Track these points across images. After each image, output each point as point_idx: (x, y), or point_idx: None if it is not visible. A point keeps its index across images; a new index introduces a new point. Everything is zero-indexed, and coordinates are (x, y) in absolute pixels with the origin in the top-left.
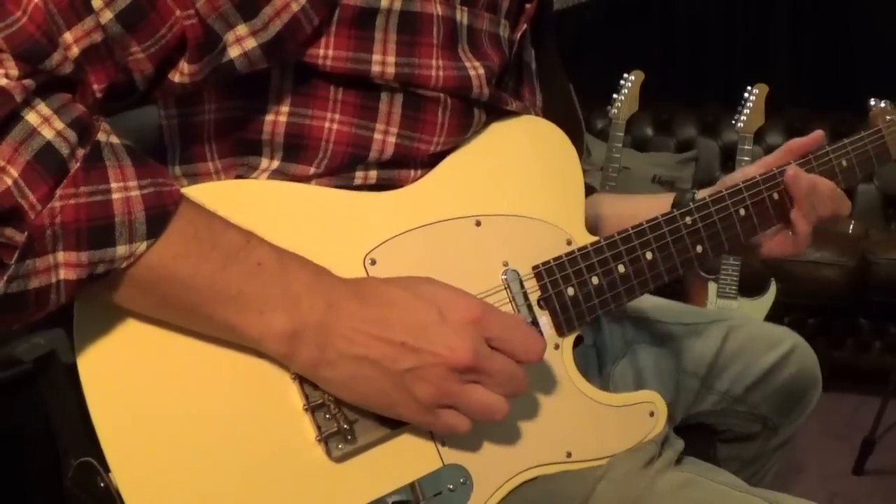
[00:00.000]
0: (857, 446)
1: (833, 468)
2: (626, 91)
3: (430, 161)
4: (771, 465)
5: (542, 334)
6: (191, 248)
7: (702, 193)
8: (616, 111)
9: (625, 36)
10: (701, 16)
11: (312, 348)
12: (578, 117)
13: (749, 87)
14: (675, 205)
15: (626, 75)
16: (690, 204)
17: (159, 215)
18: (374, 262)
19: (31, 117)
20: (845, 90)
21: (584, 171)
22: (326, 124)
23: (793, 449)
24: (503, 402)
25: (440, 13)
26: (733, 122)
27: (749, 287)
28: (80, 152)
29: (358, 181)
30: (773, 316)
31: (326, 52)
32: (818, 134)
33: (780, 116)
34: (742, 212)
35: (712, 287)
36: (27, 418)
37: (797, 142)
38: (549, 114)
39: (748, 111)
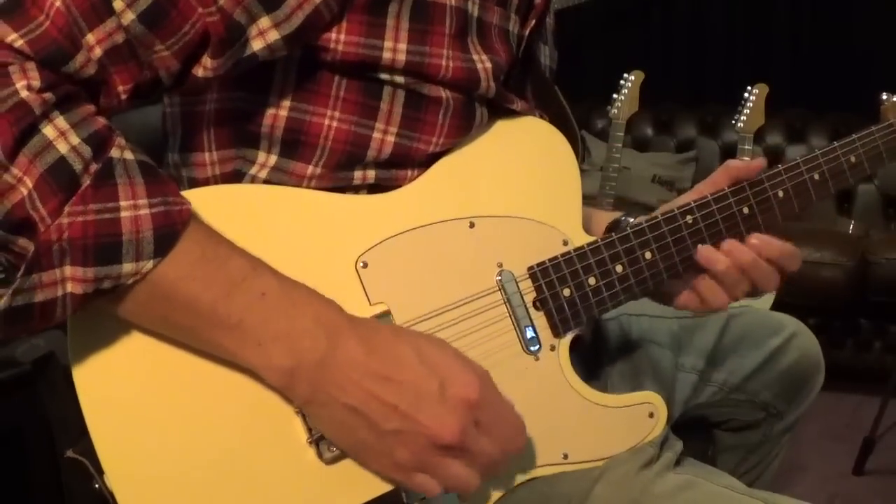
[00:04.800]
0: (857, 446)
1: (833, 468)
2: (626, 91)
3: (428, 161)
4: (777, 452)
5: (524, 425)
6: (196, 271)
7: (640, 219)
8: (616, 111)
9: (625, 36)
10: (701, 16)
11: (306, 386)
12: (571, 121)
13: (749, 87)
14: (609, 229)
15: (626, 75)
16: (627, 229)
17: (167, 235)
18: (365, 265)
19: (48, 130)
20: (845, 90)
21: (584, 172)
22: (326, 121)
23: (793, 449)
24: (477, 478)
25: (453, 3)
26: (733, 122)
27: None
28: (93, 167)
29: (357, 181)
30: None
31: (339, 38)
32: (760, 163)
33: (780, 116)
34: (745, 210)
35: None
36: (27, 419)
37: (735, 166)
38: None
39: (748, 111)
